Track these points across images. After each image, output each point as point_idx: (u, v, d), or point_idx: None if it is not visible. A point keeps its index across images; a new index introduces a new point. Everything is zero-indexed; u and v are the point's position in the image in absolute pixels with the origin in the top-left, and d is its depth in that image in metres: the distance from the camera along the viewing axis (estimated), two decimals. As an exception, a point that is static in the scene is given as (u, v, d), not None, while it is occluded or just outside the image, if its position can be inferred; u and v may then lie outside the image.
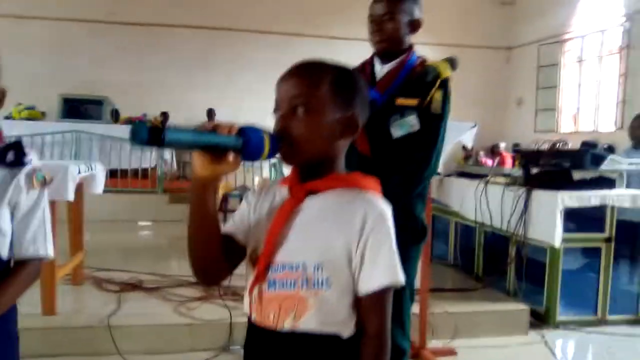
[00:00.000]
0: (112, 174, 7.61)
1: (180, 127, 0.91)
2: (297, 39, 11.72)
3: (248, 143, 0.94)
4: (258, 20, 11.38)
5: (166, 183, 8.33)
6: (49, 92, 9.26)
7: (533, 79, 11.86)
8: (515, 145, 11.41)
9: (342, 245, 1.01)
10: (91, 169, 3.45)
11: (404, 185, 1.97)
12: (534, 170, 3.84)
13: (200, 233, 1.02)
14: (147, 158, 8.14)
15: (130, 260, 4.83)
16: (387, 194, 1.89)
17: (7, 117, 8.42)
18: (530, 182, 3.78)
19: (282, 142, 1.01)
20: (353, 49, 11.31)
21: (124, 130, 8.39)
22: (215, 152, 0.93)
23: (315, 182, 1.06)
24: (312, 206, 1.05)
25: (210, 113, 10.80)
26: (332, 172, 1.07)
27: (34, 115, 8.58)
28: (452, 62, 2.08)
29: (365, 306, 1.02)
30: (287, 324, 1.01)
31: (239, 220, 1.12)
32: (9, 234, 1.34)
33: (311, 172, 1.07)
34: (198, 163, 0.94)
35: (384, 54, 2.07)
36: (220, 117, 10.76)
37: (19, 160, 1.36)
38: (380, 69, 2.08)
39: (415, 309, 2.39)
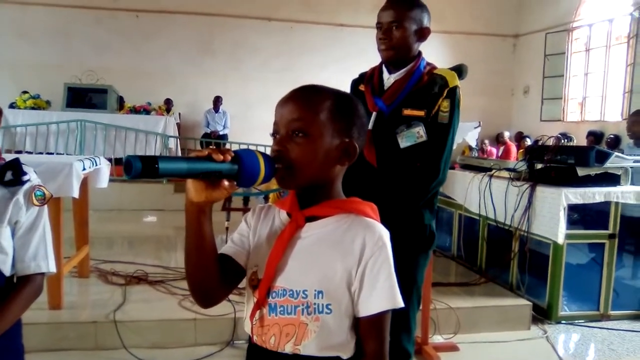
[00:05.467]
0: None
1: (174, 156, 0.92)
2: (301, 26, 11.63)
3: (243, 169, 0.94)
4: (261, 6, 11.28)
5: (171, 172, 8.34)
6: (54, 80, 9.23)
7: (540, 67, 11.75)
8: (520, 134, 11.38)
9: (342, 272, 1.02)
10: (96, 164, 3.47)
11: (412, 196, 1.99)
12: (539, 166, 3.83)
13: (197, 256, 1.02)
14: (152, 147, 8.17)
15: (136, 251, 4.87)
16: (395, 204, 1.92)
17: (11, 106, 8.45)
18: (535, 178, 3.78)
19: (279, 165, 1.01)
20: (358, 37, 11.18)
21: (128, 119, 8.43)
22: (210, 179, 0.92)
23: (314, 209, 1.07)
24: (312, 232, 1.06)
25: (217, 101, 10.79)
26: (330, 197, 1.09)
27: (39, 104, 8.60)
28: (460, 71, 2.07)
29: (365, 329, 1.04)
30: (287, 348, 1.03)
31: (238, 242, 1.13)
32: (10, 252, 1.37)
33: (309, 197, 1.08)
34: (192, 189, 0.93)
35: (391, 62, 2.05)
36: (227, 104, 10.74)
37: (18, 180, 1.38)
38: (387, 78, 2.06)
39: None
